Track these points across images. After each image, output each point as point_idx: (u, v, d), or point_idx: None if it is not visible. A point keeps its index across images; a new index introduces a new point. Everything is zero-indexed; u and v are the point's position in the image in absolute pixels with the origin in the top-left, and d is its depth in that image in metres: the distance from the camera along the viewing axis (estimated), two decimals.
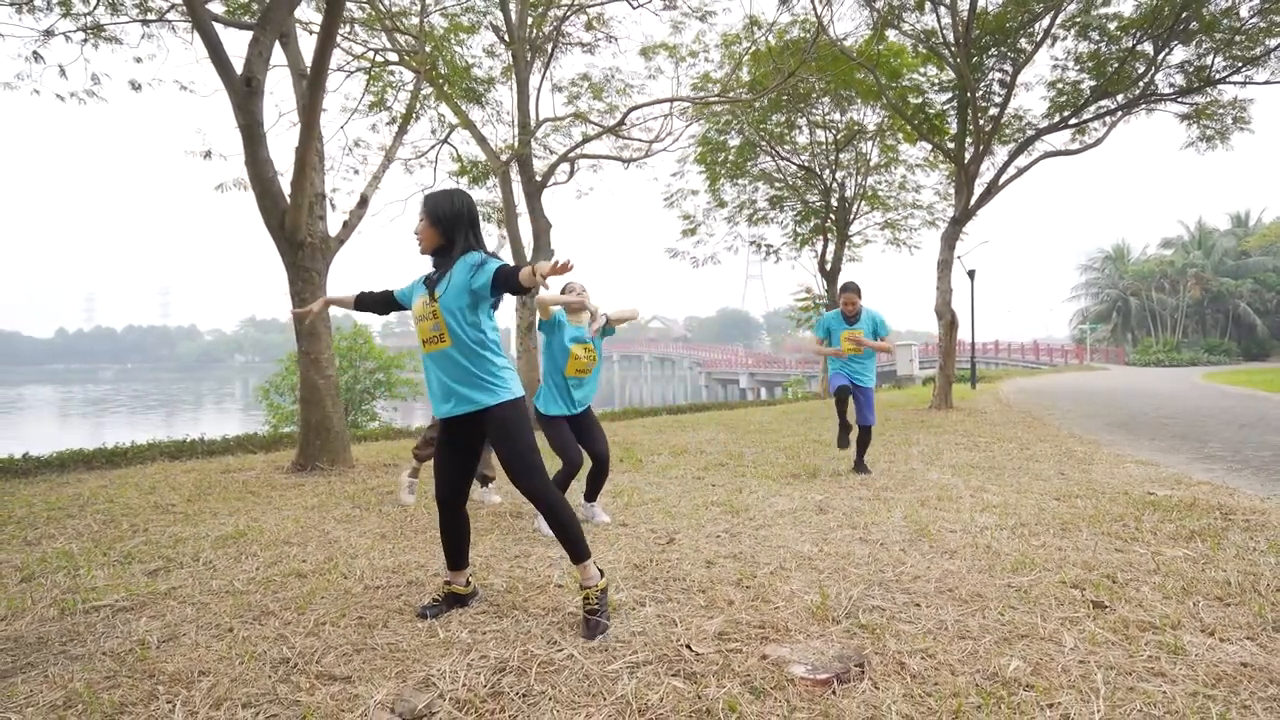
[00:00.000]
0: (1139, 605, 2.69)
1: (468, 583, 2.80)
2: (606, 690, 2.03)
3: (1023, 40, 12.15)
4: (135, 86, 9.99)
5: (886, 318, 5.94)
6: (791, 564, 3.27)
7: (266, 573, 3.24)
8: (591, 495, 4.30)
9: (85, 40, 9.16)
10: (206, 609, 2.78)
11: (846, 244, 18.67)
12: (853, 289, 5.95)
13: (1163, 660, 2.22)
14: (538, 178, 11.76)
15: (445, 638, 2.41)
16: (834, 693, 2.03)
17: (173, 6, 8.99)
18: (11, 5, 8.83)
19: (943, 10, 11.84)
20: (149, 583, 3.13)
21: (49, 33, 9.09)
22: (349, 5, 10.35)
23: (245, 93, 6.05)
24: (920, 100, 13.36)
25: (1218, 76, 11.63)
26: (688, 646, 2.30)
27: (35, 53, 9.08)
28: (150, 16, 9.42)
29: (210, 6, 9.14)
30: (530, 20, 11.64)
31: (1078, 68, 12.57)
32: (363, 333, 17.63)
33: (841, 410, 5.96)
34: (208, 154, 9.85)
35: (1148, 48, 11.85)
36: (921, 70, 13.96)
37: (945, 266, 12.45)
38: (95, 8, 9.06)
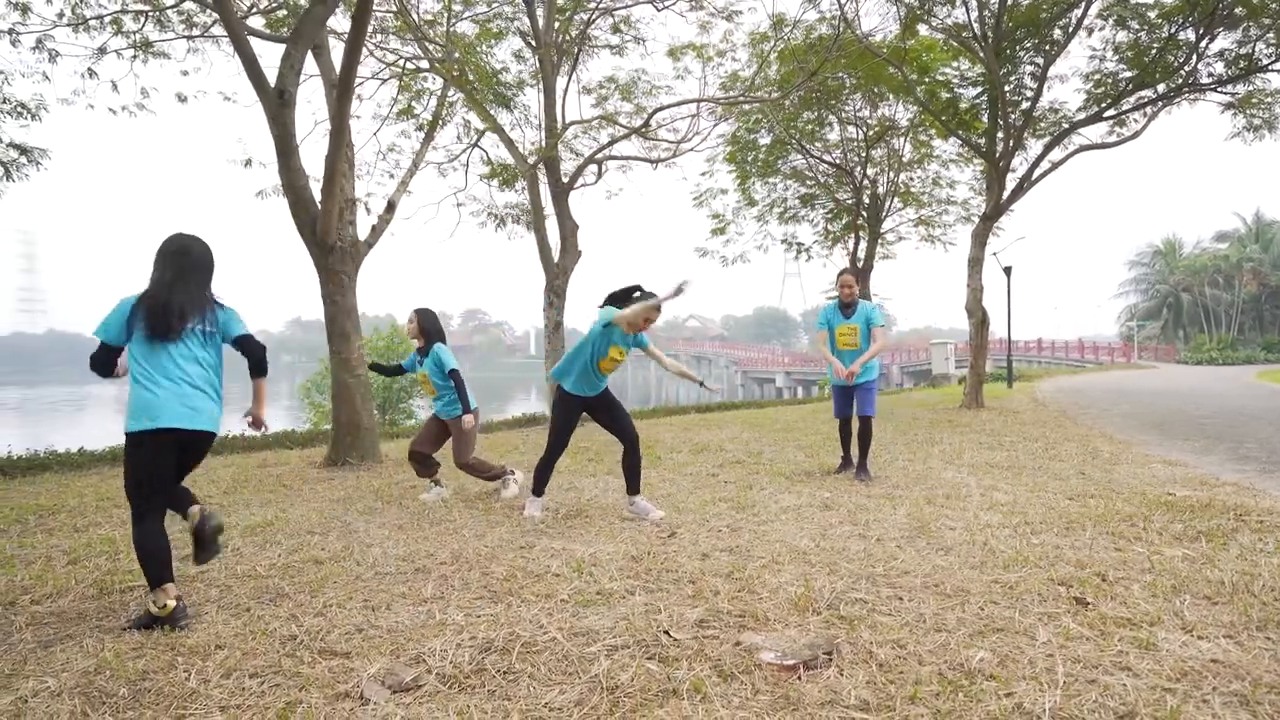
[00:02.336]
0: (1122, 603, 2.71)
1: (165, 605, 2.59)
2: (582, 670, 2.16)
3: (1056, 31, 11.90)
4: (181, 99, 10.47)
5: (884, 312, 5.62)
6: (785, 558, 3.35)
7: (287, 559, 3.45)
8: (634, 487, 4.40)
9: (135, 56, 9.63)
10: (229, 591, 2.99)
11: (879, 241, 18.49)
12: (852, 272, 5.62)
13: (1131, 655, 2.26)
14: (565, 179, 11.95)
15: (441, 620, 2.58)
16: (799, 678, 2.12)
17: (215, 21, 9.40)
18: (69, 25, 9.34)
19: (973, 3, 11.68)
20: (180, 567, 3.35)
21: (102, 50, 9.59)
22: (382, 14, 10.68)
23: (278, 105, 6.34)
24: (950, 95, 13.18)
25: (1262, 64, 11.23)
26: (666, 633, 2.42)
27: (90, 69, 9.58)
28: (195, 32, 9.88)
29: (252, 21, 9.57)
30: (557, 24, 11.82)
31: (1116, 58, 12.27)
32: (400, 333, 18.08)
33: (844, 439, 5.89)
34: (248, 162, 10.28)
35: (1189, 35, 11.52)
36: (954, 64, 13.77)
37: (976, 264, 12.28)
38: (144, 25, 9.52)
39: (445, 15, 9.85)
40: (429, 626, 2.51)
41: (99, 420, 39.40)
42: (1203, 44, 11.39)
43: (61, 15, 9.16)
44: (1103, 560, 3.25)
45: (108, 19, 9.29)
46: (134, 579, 3.17)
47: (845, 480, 5.53)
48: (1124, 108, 12.48)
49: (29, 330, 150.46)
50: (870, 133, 17.04)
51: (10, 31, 9.01)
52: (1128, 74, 12.07)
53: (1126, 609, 2.64)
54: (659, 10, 12.05)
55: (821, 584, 2.94)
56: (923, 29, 13.24)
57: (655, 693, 2.03)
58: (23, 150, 8.39)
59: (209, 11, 9.26)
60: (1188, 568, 3.13)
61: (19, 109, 8.54)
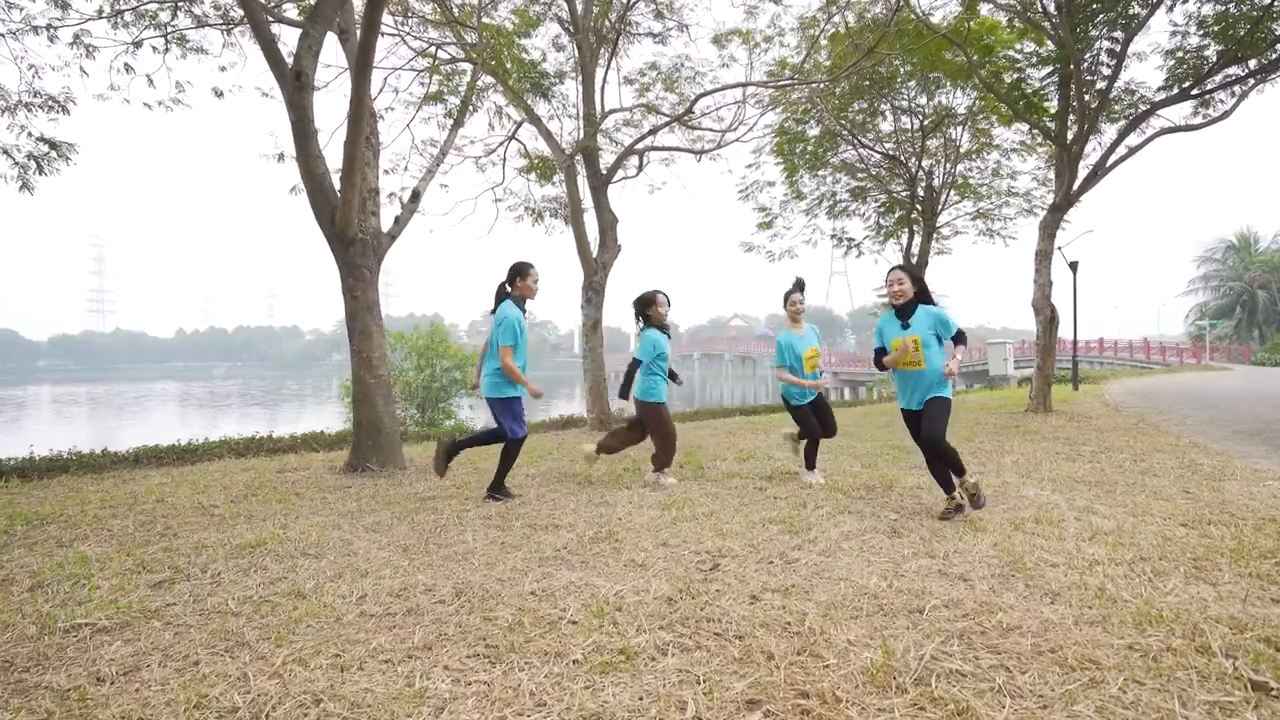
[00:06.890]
0: None
1: None
2: None
3: (1135, 4, 10.90)
4: (217, 94, 10.28)
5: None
6: (852, 603, 2.75)
7: (267, 590, 2.98)
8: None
9: (167, 49, 9.44)
10: (186, 634, 2.52)
11: (934, 236, 17.53)
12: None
13: None
14: (604, 172, 11.44)
15: (420, 689, 2.05)
16: None
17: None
18: (106, 19, 9.19)
19: None
20: (146, 597, 2.92)
21: (138, 44, 9.42)
22: (415, 4, 10.32)
23: (295, 87, 5.96)
24: (1015, 77, 12.26)
25: None
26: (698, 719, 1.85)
27: (126, 65, 9.43)
28: (228, 24, 9.65)
29: (286, 10, 9.27)
30: (595, 10, 11.33)
31: (1201, 32, 11.20)
32: (440, 331, 17.74)
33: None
34: (280, 156, 10.03)
35: None
36: (1019, 46, 12.83)
37: (1044, 257, 11.35)
38: (175, 17, 9.33)
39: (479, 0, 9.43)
40: (402, 700, 1.99)
41: (162, 418, 40.55)
42: None
43: (101, 11, 9.02)
44: (1264, 618, 2.56)
45: (144, 12, 9.12)
46: (86, 614, 2.73)
47: (913, 498, 4.87)
48: (1209, 87, 11.40)
49: (98, 329, 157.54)
50: (926, 122, 16.13)
51: (48, 27, 8.91)
52: (1216, 49, 11.00)
53: None
54: None
55: (904, 645, 2.33)
56: (984, 8, 12.37)
57: None
58: (52, 145, 8.22)
59: None
60: None
61: (49, 103, 8.39)
